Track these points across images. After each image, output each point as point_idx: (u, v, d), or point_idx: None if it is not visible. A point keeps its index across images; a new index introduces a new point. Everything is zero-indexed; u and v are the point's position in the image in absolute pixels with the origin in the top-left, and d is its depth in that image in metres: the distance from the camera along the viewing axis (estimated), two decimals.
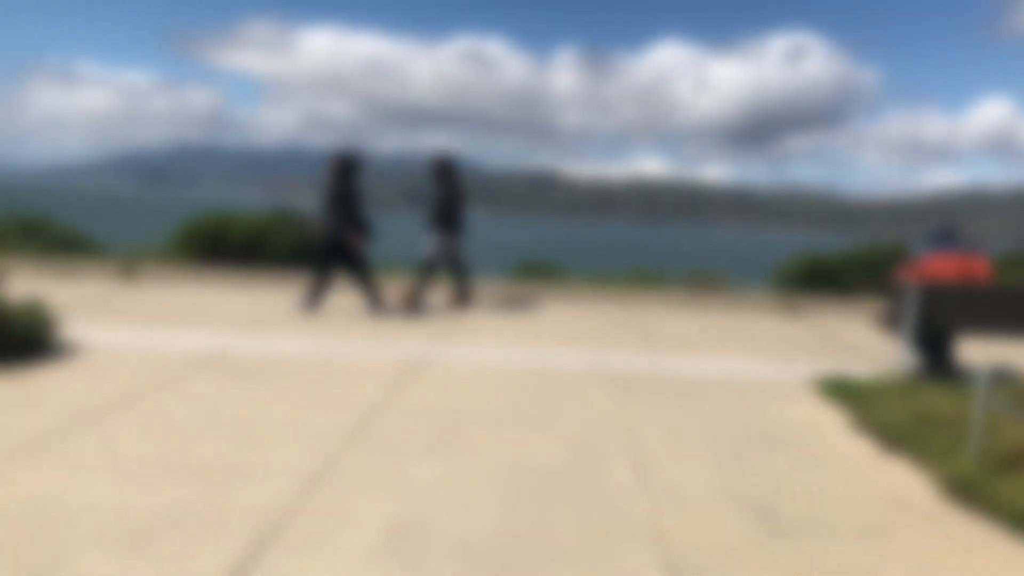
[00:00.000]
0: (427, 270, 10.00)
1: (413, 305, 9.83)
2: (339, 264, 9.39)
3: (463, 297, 10.21)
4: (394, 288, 10.71)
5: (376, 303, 9.50)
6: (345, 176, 9.35)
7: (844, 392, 6.34)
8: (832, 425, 5.61)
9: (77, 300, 9.40)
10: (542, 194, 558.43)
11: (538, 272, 13.53)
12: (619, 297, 11.45)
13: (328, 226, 9.22)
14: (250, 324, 8.47)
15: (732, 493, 4.12)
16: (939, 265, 6.98)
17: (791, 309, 11.18)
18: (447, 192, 9.96)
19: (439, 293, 10.96)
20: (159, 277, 11.48)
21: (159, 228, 13.76)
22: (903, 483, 4.44)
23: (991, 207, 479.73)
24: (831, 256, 13.32)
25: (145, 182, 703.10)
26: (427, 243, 10.04)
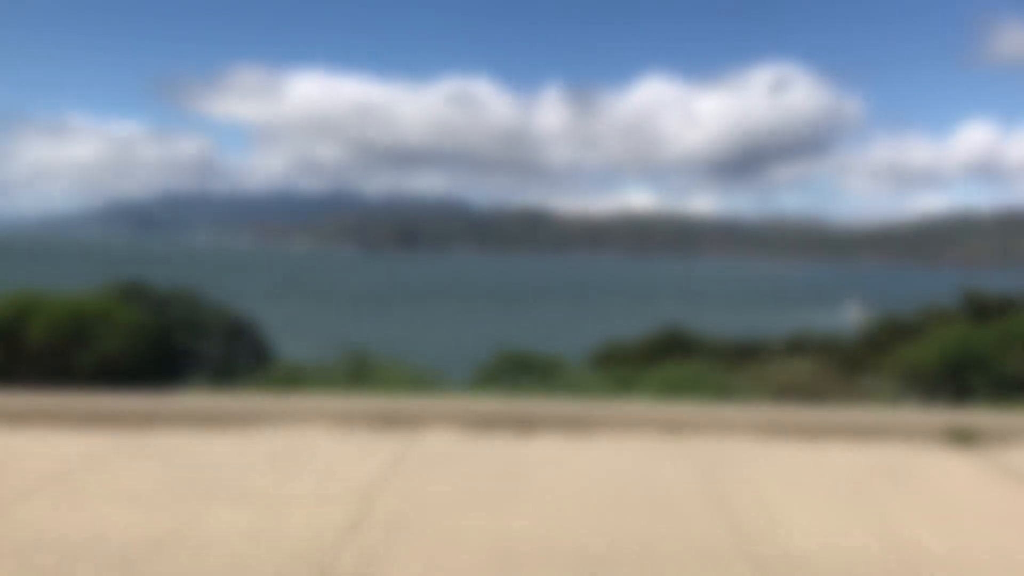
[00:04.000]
0: None
1: None
2: None
3: None
4: None
5: None
6: None
7: None
8: None
9: None
10: (532, 231, 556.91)
11: (526, 367, 8.78)
12: (662, 418, 6.70)
13: None
14: None
15: None
16: None
17: (968, 435, 6.46)
18: None
19: None
20: None
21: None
22: None
23: (977, 230, 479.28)
24: (981, 336, 8.65)
25: (136, 231, 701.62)
26: None
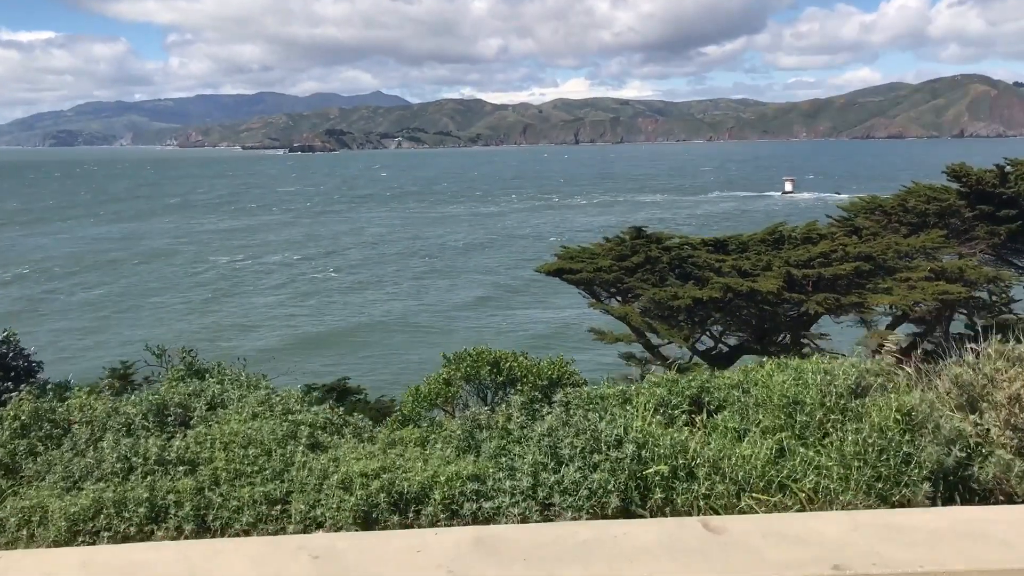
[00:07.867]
0: None
1: None
2: None
3: None
4: None
5: None
6: None
7: None
8: None
9: None
10: (468, 123, 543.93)
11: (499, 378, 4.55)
12: None
13: None
14: None
15: None
16: None
17: None
18: None
19: None
20: None
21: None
22: None
23: (906, 101, 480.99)
24: None
25: (56, 145, 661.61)
26: None
